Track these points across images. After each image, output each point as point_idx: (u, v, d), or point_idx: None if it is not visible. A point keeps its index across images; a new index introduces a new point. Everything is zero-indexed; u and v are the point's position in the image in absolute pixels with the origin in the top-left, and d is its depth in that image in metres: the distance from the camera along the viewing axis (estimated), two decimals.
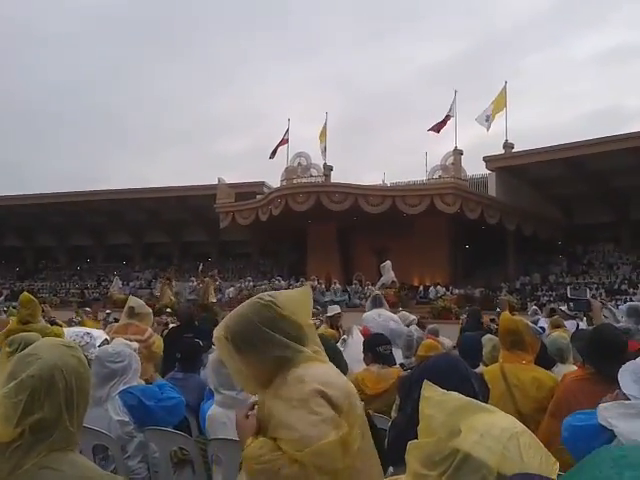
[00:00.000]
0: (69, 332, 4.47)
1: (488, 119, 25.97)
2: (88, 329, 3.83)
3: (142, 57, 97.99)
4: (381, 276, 21.04)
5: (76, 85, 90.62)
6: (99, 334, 4.35)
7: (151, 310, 5.29)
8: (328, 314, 7.40)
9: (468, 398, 1.14)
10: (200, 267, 23.84)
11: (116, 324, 5.51)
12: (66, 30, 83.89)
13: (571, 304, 5.52)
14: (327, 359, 1.82)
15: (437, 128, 26.49)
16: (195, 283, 24.09)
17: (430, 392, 1.14)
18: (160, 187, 34.31)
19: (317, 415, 1.57)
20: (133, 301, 5.05)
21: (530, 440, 1.02)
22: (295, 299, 1.83)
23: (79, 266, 40.00)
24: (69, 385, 1.48)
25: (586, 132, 79.88)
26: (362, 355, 4.37)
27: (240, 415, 1.76)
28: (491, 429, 1.02)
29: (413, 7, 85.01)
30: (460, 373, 1.99)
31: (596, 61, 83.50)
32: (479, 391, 1.98)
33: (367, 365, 3.92)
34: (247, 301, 1.87)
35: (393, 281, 20.80)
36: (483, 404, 1.13)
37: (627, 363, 2.21)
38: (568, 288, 6.25)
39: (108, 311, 14.59)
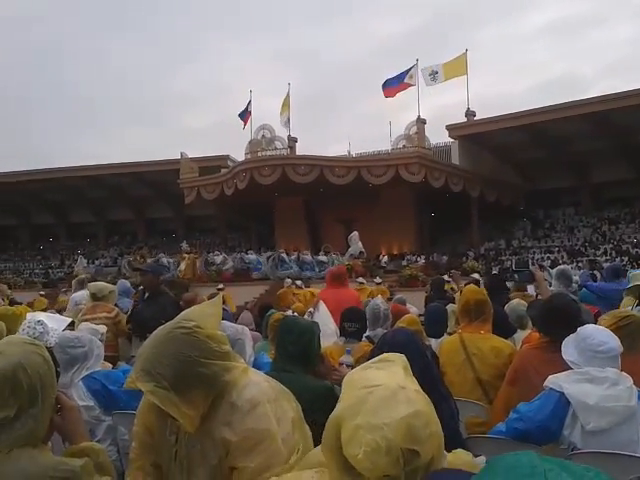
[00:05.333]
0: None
1: (435, 76, 25.83)
2: (42, 315, 3.75)
3: (97, 32, 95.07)
4: (349, 247, 21.21)
5: (30, 58, 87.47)
6: (59, 321, 4.23)
7: (113, 287, 5.46)
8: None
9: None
10: (184, 245, 23.92)
11: (83, 307, 5.50)
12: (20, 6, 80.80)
13: (516, 276, 5.72)
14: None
15: (393, 92, 26.36)
16: (172, 260, 24.03)
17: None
18: (122, 163, 33.52)
19: (280, 443, 1.53)
20: (92, 287, 5.20)
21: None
22: (209, 313, 1.66)
23: (42, 245, 39.10)
24: (33, 383, 1.47)
25: (542, 101, 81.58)
26: (328, 329, 4.43)
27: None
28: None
29: None
30: (417, 346, 2.14)
31: (550, 31, 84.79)
32: (432, 360, 2.19)
33: None
34: (161, 334, 1.59)
35: (361, 251, 20.99)
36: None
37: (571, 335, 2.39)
38: (513, 260, 6.50)
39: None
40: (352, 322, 3.72)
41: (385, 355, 1.13)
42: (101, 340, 3.52)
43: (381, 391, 0.97)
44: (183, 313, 1.68)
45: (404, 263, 22.58)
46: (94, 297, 5.08)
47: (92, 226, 38.80)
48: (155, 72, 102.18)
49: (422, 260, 22.84)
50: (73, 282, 8.18)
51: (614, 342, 2.29)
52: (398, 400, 0.96)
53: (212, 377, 1.55)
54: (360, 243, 20.89)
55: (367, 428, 0.92)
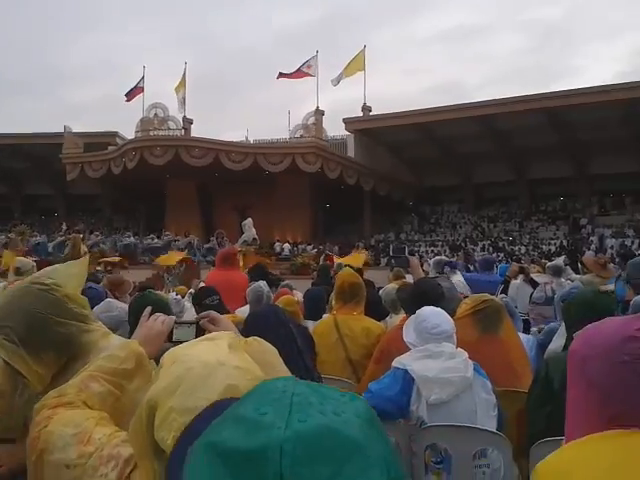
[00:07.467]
0: None
1: (340, 77, 26.47)
2: None
3: None
4: (243, 233, 20.99)
5: None
6: None
7: (34, 264, 5.61)
8: None
9: None
10: (64, 225, 22.58)
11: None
12: None
13: (393, 261, 5.99)
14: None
15: (289, 76, 26.50)
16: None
17: None
18: None
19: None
20: (18, 262, 5.36)
21: None
22: (71, 273, 1.61)
23: None
24: None
25: (433, 103, 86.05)
26: None
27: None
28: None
29: None
30: (279, 318, 2.23)
31: (440, 38, 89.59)
32: (297, 333, 2.24)
33: None
34: (17, 289, 1.55)
35: (254, 238, 20.84)
36: None
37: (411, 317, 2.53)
38: (391, 246, 6.87)
39: None
40: (213, 296, 3.65)
41: (213, 333, 1.09)
42: None
43: (199, 369, 0.90)
44: (44, 270, 1.64)
45: (296, 252, 22.77)
46: (17, 271, 5.14)
47: None
48: (47, 43, 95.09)
49: (313, 249, 23.15)
50: None
51: (447, 324, 2.43)
52: (216, 377, 0.89)
53: (67, 337, 1.52)
54: (254, 230, 20.74)
55: (180, 411, 0.86)
